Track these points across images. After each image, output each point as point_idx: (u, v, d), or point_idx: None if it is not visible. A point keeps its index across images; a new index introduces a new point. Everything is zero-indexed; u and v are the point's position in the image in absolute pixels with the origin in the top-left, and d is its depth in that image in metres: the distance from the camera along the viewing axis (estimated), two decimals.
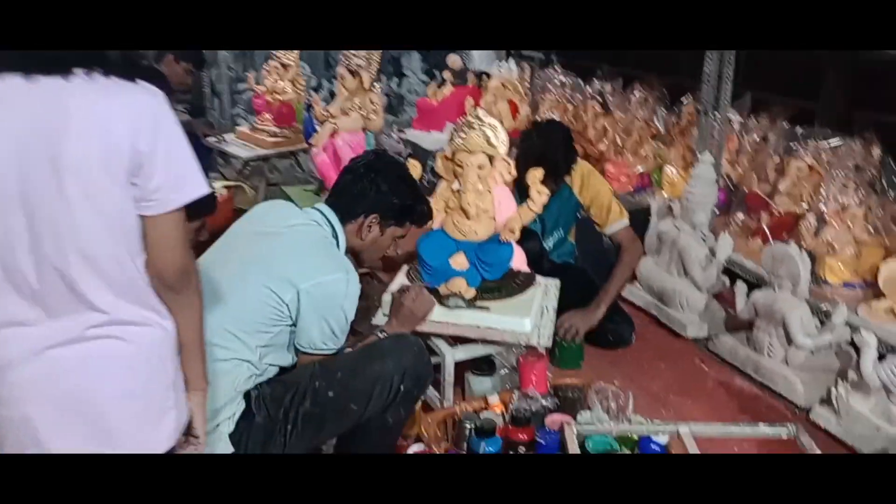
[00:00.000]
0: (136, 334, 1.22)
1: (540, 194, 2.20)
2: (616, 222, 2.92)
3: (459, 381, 2.45)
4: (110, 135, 1.12)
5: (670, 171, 3.72)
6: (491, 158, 2.16)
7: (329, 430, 1.78)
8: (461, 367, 2.44)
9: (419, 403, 2.30)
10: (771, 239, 3.09)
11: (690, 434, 1.57)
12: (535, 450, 1.98)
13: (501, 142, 2.17)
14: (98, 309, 1.17)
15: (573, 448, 1.52)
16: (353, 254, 2.04)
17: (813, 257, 2.90)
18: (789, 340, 2.56)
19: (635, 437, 1.92)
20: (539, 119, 2.96)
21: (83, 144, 1.11)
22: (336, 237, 1.94)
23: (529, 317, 2.16)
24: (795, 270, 2.50)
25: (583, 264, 3.17)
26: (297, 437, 1.75)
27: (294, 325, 1.79)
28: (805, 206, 3.10)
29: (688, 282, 3.01)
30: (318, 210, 1.96)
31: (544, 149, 2.66)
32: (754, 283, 2.91)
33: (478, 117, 2.17)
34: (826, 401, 2.43)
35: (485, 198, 2.18)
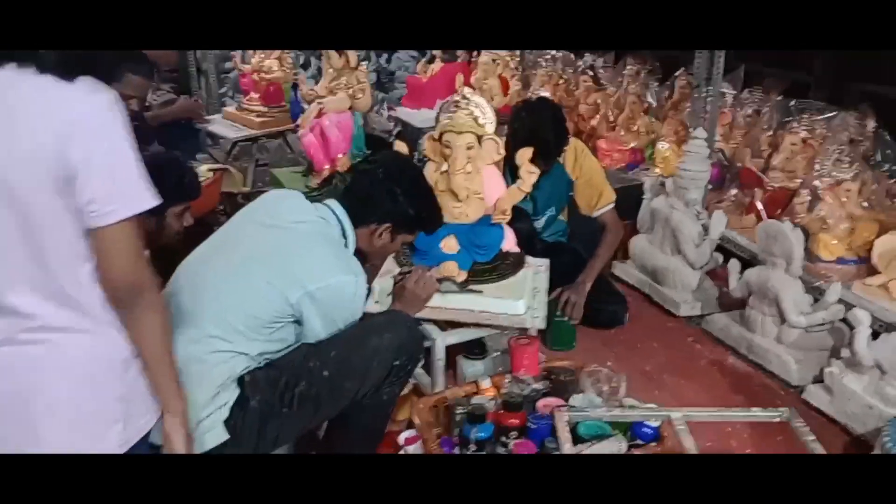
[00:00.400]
0: (69, 341, 1.16)
1: (530, 174, 2.16)
2: (606, 205, 2.90)
3: (452, 366, 2.43)
4: (34, 138, 1.05)
5: (663, 146, 3.67)
6: (479, 138, 2.12)
7: (325, 409, 1.76)
8: (453, 352, 2.42)
9: (410, 387, 2.30)
10: (764, 215, 3.06)
11: (683, 419, 1.55)
12: (527, 434, 1.96)
13: (489, 120, 2.13)
14: (24, 314, 1.13)
15: (564, 433, 1.50)
16: (360, 254, 2.01)
17: (807, 233, 2.87)
18: (782, 319, 2.54)
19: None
20: (530, 97, 2.90)
21: (7, 146, 1.05)
22: (345, 236, 1.90)
23: (523, 298, 2.13)
24: (788, 248, 2.47)
25: (575, 243, 3.15)
26: (294, 418, 1.73)
27: (298, 322, 1.76)
28: (799, 181, 3.06)
29: (681, 260, 2.99)
30: (330, 208, 1.91)
31: (535, 127, 2.61)
32: (748, 261, 2.89)
33: (464, 96, 2.12)
34: (819, 379, 2.42)
35: (474, 179, 2.13)
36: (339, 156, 2.79)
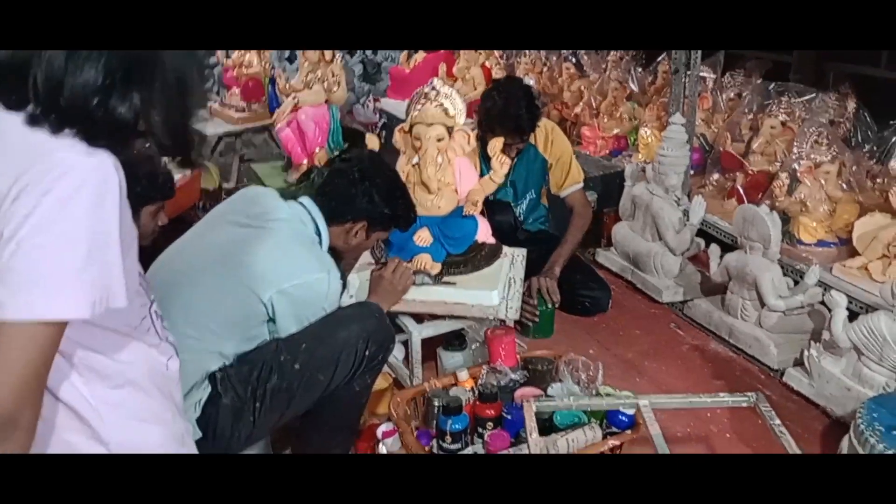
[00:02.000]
0: None
1: (501, 165, 2.16)
2: (574, 185, 2.90)
3: (433, 357, 2.43)
4: None
5: (645, 132, 3.66)
6: (450, 130, 2.11)
7: (298, 403, 1.75)
8: (434, 343, 2.42)
9: (390, 381, 2.30)
10: (745, 199, 3.06)
11: (650, 406, 1.55)
12: (502, 425, 1.96)
13: (459, 111, 2.12)
14: None
15: (531, 423, 1.50)
16: (335, 252, 2.01)
17: (787, 217, 2.87)
18: (762, 303, 2.54)
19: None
20: (497, 78, 2.89)
21: None
22: (319, 234, 1.90)
23: (496, 289, 2.13)
24: (766, 232, 2.47)
25: (556, 230, 3.15)
26: (267, 413, 1.72)
27: (272, 320, 1.76)
28: (778, 164, 3.06)
29: (662, 246, 2.98)
30: (303, 206, 1.91)
31: (506, 106, 2.61)
32: (731, 245, 2.89)
33: (434, 87, 2.11)
34: (799, 362, 2.42)
35: (445, 171, 2.13)
36: (317, 150, 2.79)
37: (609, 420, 1.96)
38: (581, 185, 2.94)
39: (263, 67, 4.04)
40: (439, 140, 2.09)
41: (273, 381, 1.70)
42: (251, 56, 4.02)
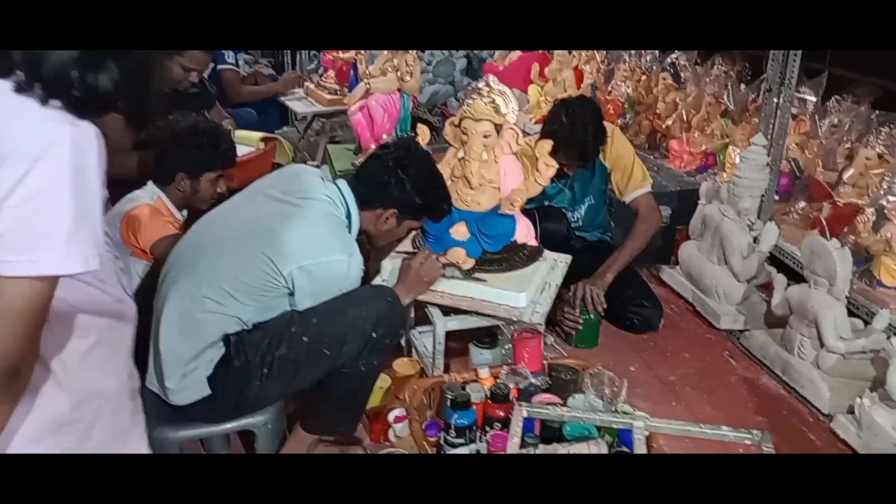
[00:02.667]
0: None
1: (547, 167, 2.13)
2: (637, 189, 2.78)
3: (466, 352, 2.44)
4: None
5: (733, 151, 3.49)
6: (498, 127, 2.10)
7: (303, 375, 1.81)
8: (467, 338, 2.43)
9: (417, 369, 2.32)
10: (828, 232, 2.86)
11: (645, 428, 1.49)
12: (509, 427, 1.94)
13: (511, 110, 2.10)
14: None
15: (516, 427, 1.47)
16: (367, 235, 2.06)
17: (870, 255, 2.67)
18: (822, 342, 2.38)
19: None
20: (569, 95, 2.80)
21: None
22: (350, 217, 1.95)
23: (525, 292, 2.10)
24: (832, 267, 2.30)
25: (619, 241, 3.07)
26: (273, 381, 1.79)
27: (292, 294, 1.82)
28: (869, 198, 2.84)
29: (727, 270, 2.84)
30: (339, 188, 1.96)
31: (572, 129, 2.54)
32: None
33: (488, 84, 2.11)
34: (852, 410, 2.25)
35: (490, 167, 2.12)
36: (384, 136, 2.84)
37: (621, 439, 1.90)
38: (647, 189, 2.82)
39: (360, 54, 4.15)
40: (486, 136, 2.08)
41: (282, 350, 1.76)
42: None
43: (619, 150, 2.76)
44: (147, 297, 1.98)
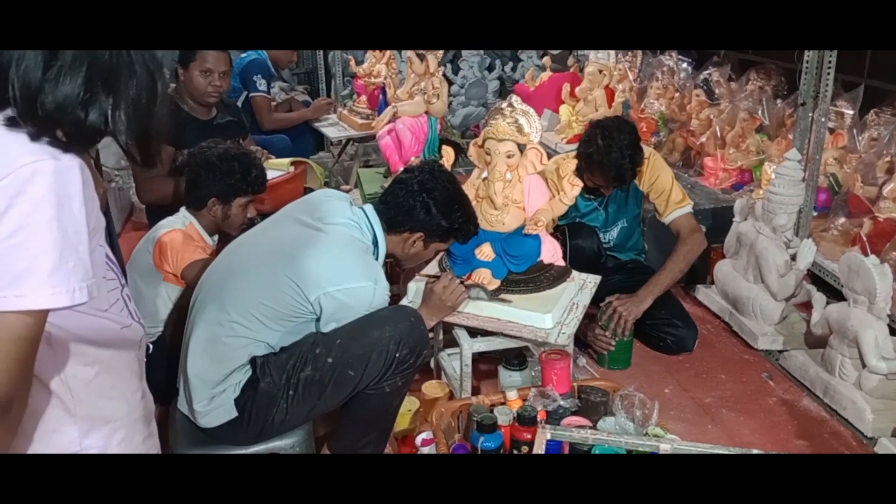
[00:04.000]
0: None
1: (572, 186, 2.11)
2: (676, 210, 2.73)
3: (496, 375, 2.42)
4: None
5: (769, 167, 3.42)
6: (522, 147, 2.10)
7: (329, 396, 1.82)
8: (497, 360, 2.41)
9: (446, 390, 2.31)
10: (868, 248, 2.78)
11: (672, 450, 1.45)
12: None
13: (535, 129, 2.10)
14: None
15: (540, 449, 1.45)
16: (394, 258, 2.07)
17: None
18: (864, 363, 2.30)
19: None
20: (606, 118, 2.78)
21: None
22: (376, 242, 1.96)
23: (551, 313, 2.08)
24: (871, 285, 2.23)
25: (655, 263, 3.03)
26: (299, 402, 1.80)
27: (318, 320, 1.84)
28: None
29: (763, 289, 2.78)
30: (365, 213, 1.98)
31: (607, 152, 2.52)
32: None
33: (511, 104, 2.11)
34: None
35: (514, 187, 2.12)
36: (412, 159, 2.85)
37: None
38: (687, 209, 2.77)
39: (390, 78, 4.19)
40: (509, 156, 2.08)
41: (307, 371, 1.77)
42: (380, 66, 4.19)
43: (657, 173, 2.73)
44: (180, 323, 2.02)
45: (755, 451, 1.47)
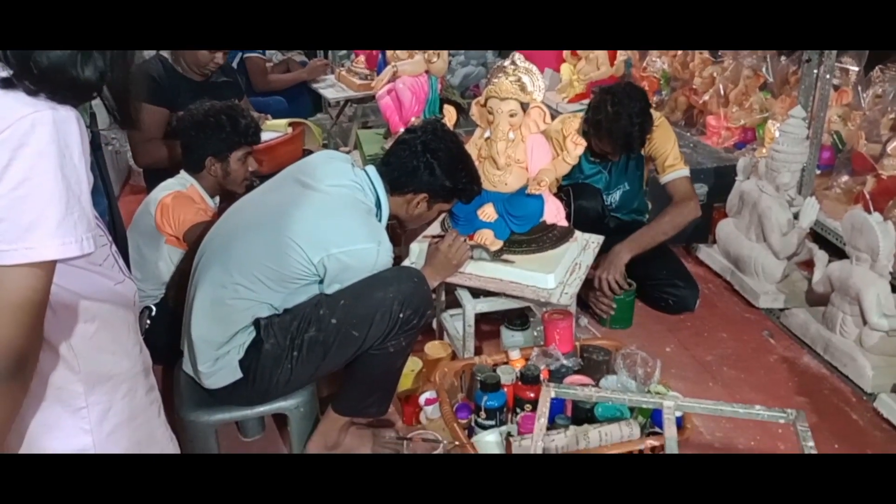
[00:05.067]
0: None
1: (576, 146, 2.09)
2: (671, 171, 2.70)
3: (498, 335, 2.43)
4: None
5: (773, 125, 3.39)
6: (525, 106, 2.07)
7: (333, 357, 1.82)
8: (499, 321, 2.42)
9: (448, 350, 2.32)
10: (871, 206, 2.77)
11: (675, 408, 1.46)
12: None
13: (538, 88, 2.07)
14: None
15: (544, 407, 1.46)
16: (397, 219, 2.05)
17: None
18: (864, 320, 2.31)
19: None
20: (618, 82, 2.71)
21: None
22: (379, 204, 1.95)
23: (554, 273, 2.08)
24: (874, 242, 2.23)
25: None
26: (303, 363, 1.81)
27: (321, 282, 1.84)
28: None
29: (766, 248, 2.77)
30: (367, 174, 1.96)
31: (617, 119, 2.47)
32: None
33: (513, 62, 2.08)
34: None
35: (517, 147, 2.09)
36: (413, 119, 2.83)
37: (654, 420, 1.88)
38: (682, 173, 2.73)
39: None
40: (512, 115, 2.05)
41: (311, 332, 1.77)
42: None
43: (658, 133, 2.69)
44: (183, 284, 2.02)
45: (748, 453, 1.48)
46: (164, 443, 1.25)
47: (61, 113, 0.88)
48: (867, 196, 2.84)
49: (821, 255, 2.58)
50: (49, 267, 0.90)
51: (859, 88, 3.20)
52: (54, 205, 0.88)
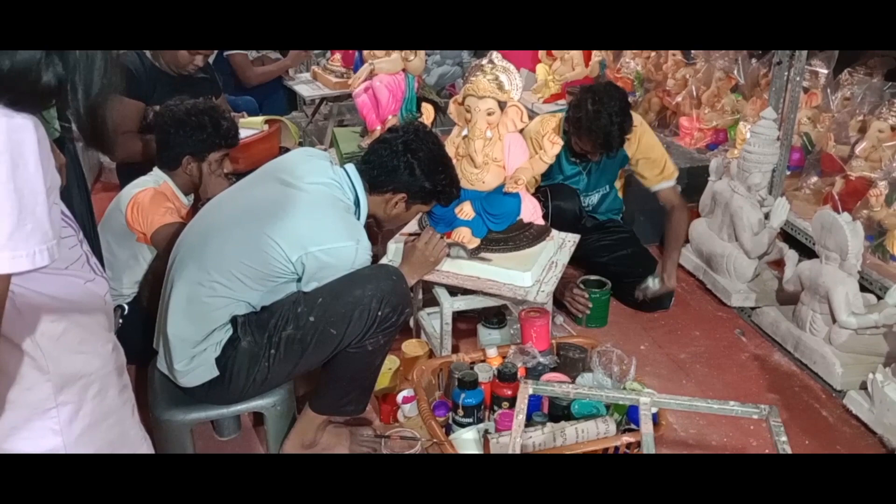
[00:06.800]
0: None
1: (553, 144, 2.10)
2: (666, 180, 2.78)
3: (475, 333, 2.43)
4: None
5: (744, 126, 3.44)
6: (502, 104, 2.08)
7: (311, 355, 1.81)
8: (476, 319, 2.43)
9: (426, 349, 2.32)
10: (839, 206, 2.82)
11: (651, 404, 1.48)
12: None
13: (515, 87, 2.08)
14: None
15: (522, 403, 1.47)
16: (375, 219, 2.04)
17: (883, 229, 2.64)
18: (834, 318, 2.35)
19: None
20: (598, 80, 2.74)
21: None
22: (358, 203, 1.94)
23: (531, 271, 2.09)
24: (843, 241, 2.27)
25: (631, 222, 3.07)
26: (280, 361, 1.80)
27: (300, 280, 1.82)
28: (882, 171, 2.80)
29: (737, 247, 2.82)
30: (347, 173, 1.95)
31: (597, 118, 2.49)
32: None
33: (491, 60, 2.08)
34: (865, 386, 2.23)
35: (494, 145, 2.10)
36: (390, 117, 2.82)
37: (630, 417, 1.90)
38: (670, 183, 2.82)
39: None
40: (489, 114, 2.06)
41: (288, 330, 1.76)
42: None
43: (648, 143, 2.74)
44: (157, 283, 1.99)
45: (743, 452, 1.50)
46: (137, 443, 1.22)
47: (17, 121, 0.84)
48: (836, 196, 2.90)
49: (791, 255, 2.63)
50: (1, 280, 0.87)
51: (828, 91, 3.27)
52: (5, 218, 0.84)
